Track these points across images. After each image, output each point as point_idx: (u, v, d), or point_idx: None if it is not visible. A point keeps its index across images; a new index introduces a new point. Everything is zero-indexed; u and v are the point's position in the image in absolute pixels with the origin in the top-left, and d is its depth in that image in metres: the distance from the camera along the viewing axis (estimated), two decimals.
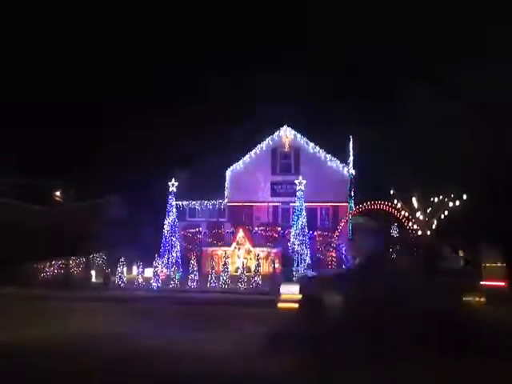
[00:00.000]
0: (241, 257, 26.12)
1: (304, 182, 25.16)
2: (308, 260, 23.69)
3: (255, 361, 10.27)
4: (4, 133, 36.41)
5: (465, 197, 26.23)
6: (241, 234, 26.56)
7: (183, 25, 59.09)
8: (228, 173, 31.17)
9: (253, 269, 22.65)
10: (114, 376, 8.35)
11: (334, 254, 25.12)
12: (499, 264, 16.12)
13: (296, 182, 25.35)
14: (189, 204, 31.29)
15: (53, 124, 41.90)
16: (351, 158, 31.83)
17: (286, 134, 30.74)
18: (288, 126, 30.84)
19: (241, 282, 21.28)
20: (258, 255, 23.31)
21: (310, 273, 19.71)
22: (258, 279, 21.41)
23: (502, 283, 14.25)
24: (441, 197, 27.28)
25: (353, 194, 32.20)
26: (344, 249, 27.97)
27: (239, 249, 26.36)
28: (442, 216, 27.23)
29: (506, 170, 29.02)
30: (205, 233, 29.54)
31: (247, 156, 31.11)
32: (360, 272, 11.92)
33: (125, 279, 22.42)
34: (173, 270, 24.51)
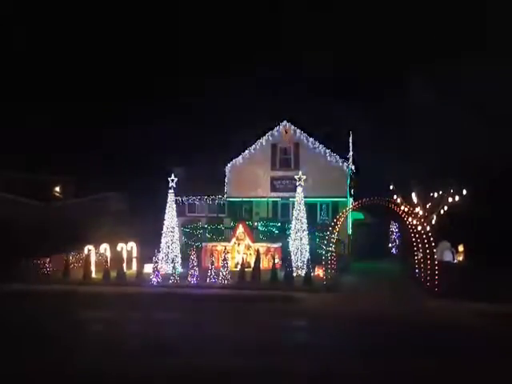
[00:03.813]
0: (240, 252, 26.13)
1: (304, 177, 25.12)
2: (307, 255, 23.65)
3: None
4: (5, 129, 36.48)
5: (464, 192, 26.21)
6: (240, 229, 26.55)
7: (183, 22, 58.97)
8: (228, 168, 31.15)
9: (252, 264, 22.64)
10: None
11: (333, 249, 25.07)
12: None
13: (296, 177, 25.31)
14: (188, 199, 31.32)
15: (53, 121, 41.93)
16: (351, 154, 31.81)
17: (286, 129, 30.70)
18: (288, 121, 30.80)
19: (240, 278, 21.28)
20: (258, 250, 23.29)
21: None
22: (258, 274, 21.41)
23: None
24: (440, 192, 27.26)
25: (352, 189, 32.20)
26: (344, 244, 27.98)
27: (239, 244, 26.37)
28: (442, 211, 27.22)
29: (505, 166, 29.01)
30: (204, 228, 29.54)
31: (247, 151, 31.09)
32: None
33: (124, 275, 22.40)
34: (172, 265, 24.50)
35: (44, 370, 10.02)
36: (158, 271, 21.94)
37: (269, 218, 29.83)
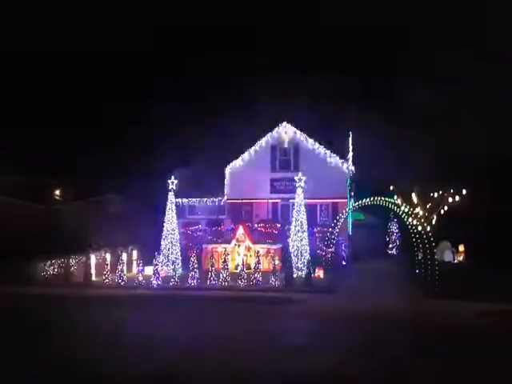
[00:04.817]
0: (241, 254, 26.12)
1: (303, 178, 25.13)
2: (308, 256, 23.65)
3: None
4: (5, 132, 36.46)
5: (464, 192, 26.18)
6: (240, 231, 26.54)
7: (184, 24, 59.00)
8: (227, 170, 31.15)
9: (253, 266, 22.62)
10: None
11: (333, 250, 25.08)
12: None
13: (295, 178, 25.31)
14: (188, 201, 31.30)
15: (53, 123, 41.93)
16: (351, 154, 31.79)
17: (286, 131, 30.70)
18: (287, 122, 30.79)
19: (241, 279, 21.28)
20: (258, 252, 23.28)
21: None
22: (258, 276, 21.41)
23: None
24: (440, 192, 27.24)
25: (352, 190, 32.18)
26: (344, 244, 27.97)
27: (239, 246, 26.36)
28: (442, 211, 27.19)
29: (505, 165, 28.98)
30: (204, 230, 29.52)
31: (246, 153, 31.08)
32: None
33: (125, 277, 22.42)
34: (173, 267, 24.54)
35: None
36: (159, 273, 21.94)
37: (269, 220, 29.81)
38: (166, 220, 25.52)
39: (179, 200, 29.95)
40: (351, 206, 29.65)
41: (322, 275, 23.24)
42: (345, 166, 30.02)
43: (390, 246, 36.40)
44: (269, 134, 30.89)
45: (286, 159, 30.57)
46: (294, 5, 58.44)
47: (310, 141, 30.31)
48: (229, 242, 26.63)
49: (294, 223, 24.64)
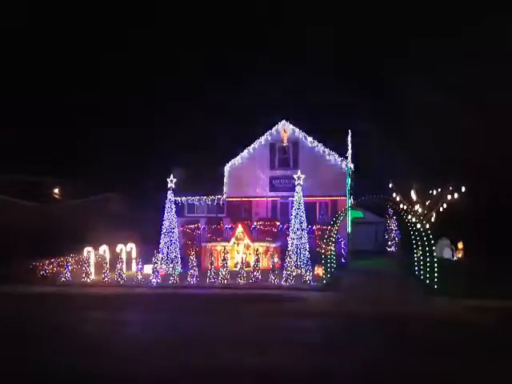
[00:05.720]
0: (240, 252, 26.13)
1: (303, 176, 25.12)
2: (307, 254, 23.66)
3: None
4: (4, 131, 36.51)
5: (463, 189, 26.22)
6: (240, 229, 26.55)
7: (183, 23, 59.00)
8: (227, 168, 31.16)
9: (252, 264, 22.63)
10: None
11: (333, 248, 25.07)
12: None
13: (295, 176, 25.30)
14: (187, 200, 31.32)
15: (53, 122, 41.99)
16: (350, 152, 31.79)
17: (285, 129, 30.69)
18: (286, 120, 30.79)
19: (240, 277, 21.29)
20: (257, 250, 23.28)
21: None
22: (258, 274, 21.42)
23: None
24: (439, 190, 27.28)
25: (351, 188, 32.18)
26: (343, 242, 27.95)
27: (238, 244, 26.37)
28: (441, 209, 27.23)
29: (503, 163, 28.99)
30: (204, 228, 29.55)
31: (246, 151, 31.09)
32: None
33: (124, 276, 22.43)
34: (172, 266, 24.54)
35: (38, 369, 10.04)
36: (158, 272, 21.95)
37: (268, 218, 29.82)
38: (164, 218, 25.53)
39: (178, 198, 29.99)
40: (350, 204, 29.66)
41: (321, 273, 23.22)
42: (344, 163, 30.02)
43: (389, 243, 36.39)
44: (268, 132, 30.90)
45: (285, 157, 30.58)
46: (293, 5, 58.42)
47: (309, 139, 30.31)
48: (228, 241, 26.65)
49: (293, 221, 24.64)
